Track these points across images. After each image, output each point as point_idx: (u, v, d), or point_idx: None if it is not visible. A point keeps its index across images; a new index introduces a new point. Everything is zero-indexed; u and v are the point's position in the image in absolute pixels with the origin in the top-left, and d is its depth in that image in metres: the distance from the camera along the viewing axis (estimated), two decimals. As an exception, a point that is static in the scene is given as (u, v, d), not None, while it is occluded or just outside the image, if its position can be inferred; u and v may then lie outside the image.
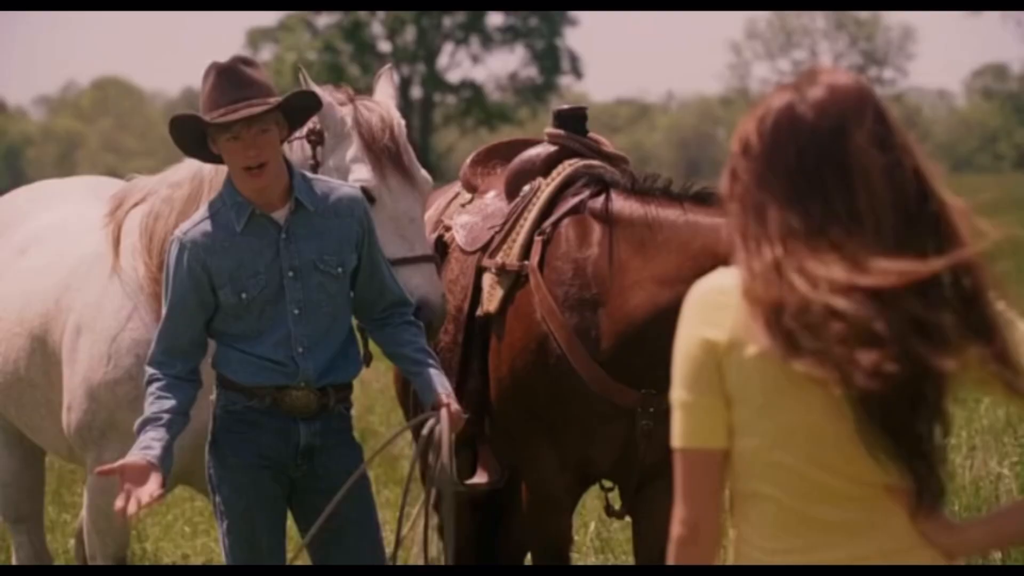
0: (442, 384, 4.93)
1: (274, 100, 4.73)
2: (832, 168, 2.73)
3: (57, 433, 5.74)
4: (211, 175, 5.42)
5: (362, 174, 5.30)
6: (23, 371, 5.85)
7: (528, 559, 6.13)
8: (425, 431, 4.81)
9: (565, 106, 5.96)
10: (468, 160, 6.18)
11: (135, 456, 4.62)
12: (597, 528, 7.48)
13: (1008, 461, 8.05)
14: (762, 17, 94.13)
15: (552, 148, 5.80)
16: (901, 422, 2.70)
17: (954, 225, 2.74)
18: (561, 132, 5.82)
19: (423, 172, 5.46)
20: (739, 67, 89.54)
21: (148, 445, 4.65)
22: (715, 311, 2.78)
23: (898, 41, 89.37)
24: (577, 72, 62.76)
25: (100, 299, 5.62)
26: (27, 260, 5.99)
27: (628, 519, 5.70)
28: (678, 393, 2.80)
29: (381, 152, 5.34)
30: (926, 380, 2.70)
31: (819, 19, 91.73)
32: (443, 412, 4.81)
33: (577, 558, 7.03)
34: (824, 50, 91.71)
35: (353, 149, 5.33)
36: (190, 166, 5.51)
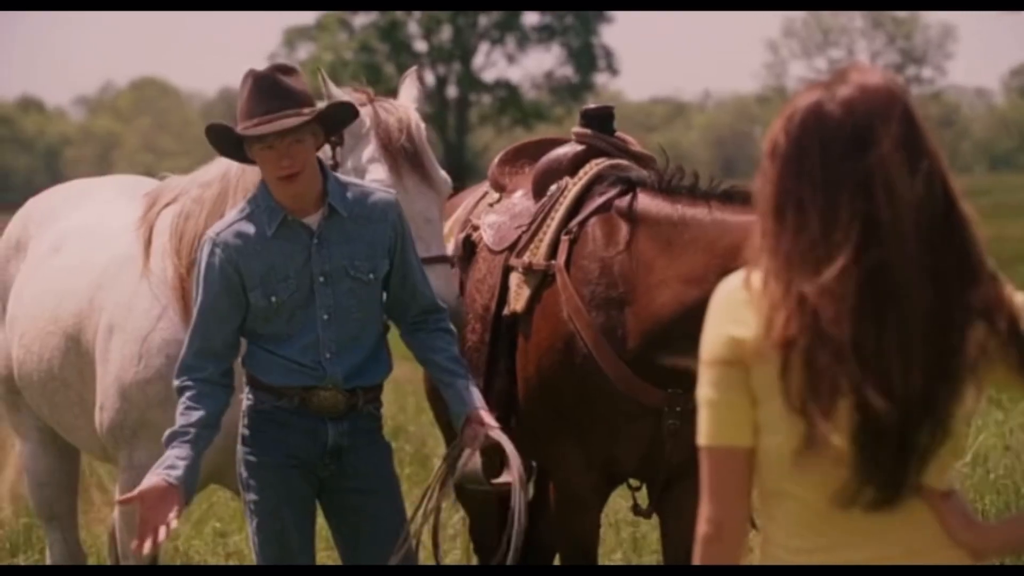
0: (473, 396, 4.95)
1: (308, 112, 4.74)
2: (855, 169, 2.71)
3: (91, 432, 5.77)
4: (238, 175, 5.45)
5: (379, 174, 5.31)
6: (57, 370, 5.88)
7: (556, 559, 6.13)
8: (455, 452, 4.89)
9: (592, 105, 5.97)
10: (496, 159, 6.20)
11: (156, 477, 4.62)
12: (619, 525, 7.48)
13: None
14: (799, 15, 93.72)
15: (579, 147, 5.80)
16: (905, 434, 2.70)
17: (973, 235, 2.73)
18: (588, 131, 5.82)
19: (442, 174, 5.47)
20: (776, 66, 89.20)
21: (172, 464, 4.66)
22: (741, 309, 2.77)
23: (937, 39, 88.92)
24: (612, 70, 62.63)
25: (131, 299, 5.65)
26: (61, 259, 6.02)
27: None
28: (704, 391, 2.80)
29: (398, 153, 5.35)
30: (939, 392, 2.70)
31: (857, 17, 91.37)
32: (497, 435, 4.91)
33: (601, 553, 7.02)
34: (861, 49, 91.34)
35: (370, 149, 5.35)
36: (219, 165, 5.55)
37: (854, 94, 2.75)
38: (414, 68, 5.89)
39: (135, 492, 4.61)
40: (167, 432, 4.76)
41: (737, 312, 2.77)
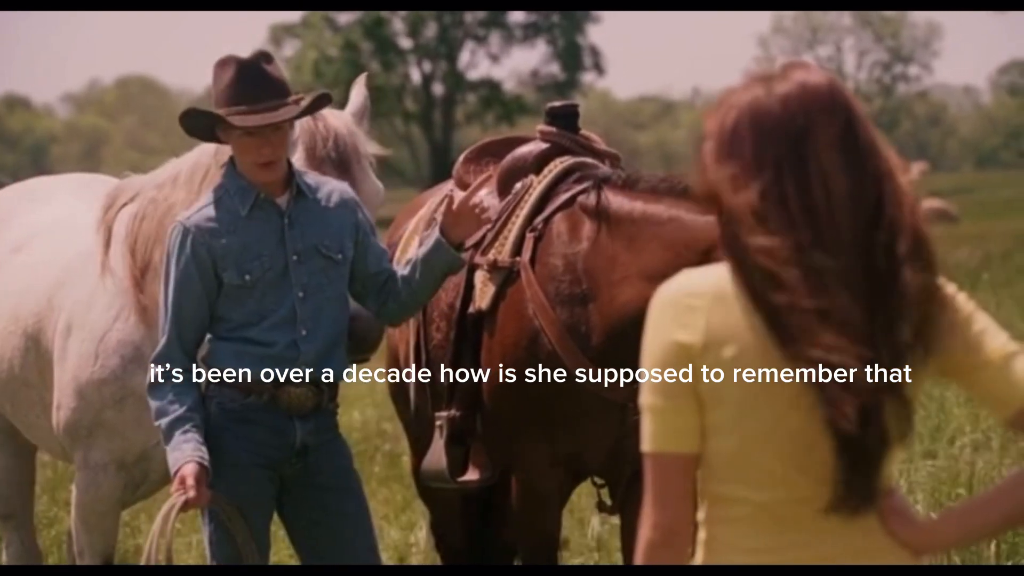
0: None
1: (297, 104, 4.81)
2: (790, 164, 2.69)
3: (51, 431, 5.76)
4: (187, 176, 5.48)
5: None
6: (18, 370, 5.87)
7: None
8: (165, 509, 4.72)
9: (557, 103, 5.97)
10: (461, 158, 6.18)
11: (194, 464, 4.68)
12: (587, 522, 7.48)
13: (1009, 459, 8.03)
14: (788, 13, 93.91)
15: (544, 145, 5.80)
16: (853, 433, 2.68)
17: (911, 231, 2.71)
18: (553, 129, 5.82)
19: (373, 182, 5.46)
20: (765, 63, 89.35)
21: (196, 448, 4.72)
22: (685, 313, 2.74)
23: (923, 38, 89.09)
24: (599, 68, 62.69)
25: (90, 298, 5.65)
26: (22, 258, 6.01)
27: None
28: (648, 397, 2.76)
29: (323, 161, 5.33)
30: (881, 392, 2.68)
31: (845, 15, 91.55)
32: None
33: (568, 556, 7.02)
34: (849, 46, 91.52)
35: (296, 157, 5.34)
36: (175, 166, 5.58)
37: (793, 90, 2.72)
38: (363, 75, 5.85)
39: (190, 479, 4.64)
40: (166, 420, 4.76)
41: (682, 316, 2.74)
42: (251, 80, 4.78)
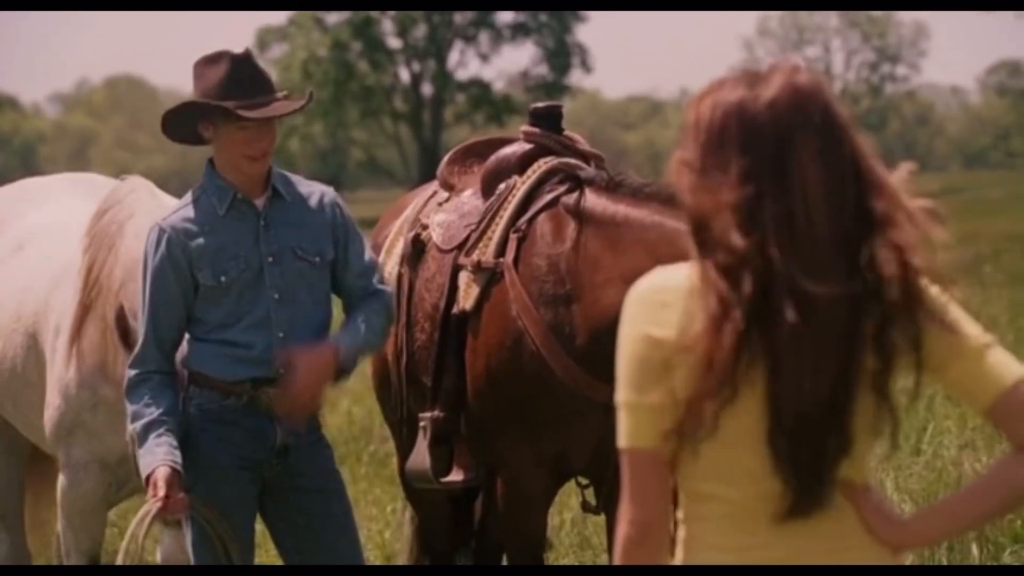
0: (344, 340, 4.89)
1: (297, 101, 4.87)
2: (773, 164, 2.69)
3: None
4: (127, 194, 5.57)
5: None
6: (20, 369, 5.90)
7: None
8: (140, 514, 4.69)
9: (540, 104, 5.97)
10: (445, 159, 6.19)
11: (167, 467, 4.65)
12: (575, 522, 7.48)
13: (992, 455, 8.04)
14: (775, 14, 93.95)
15: (528, 146, 5.80)
16: (812, 433, 2.69)
17: (896, 231, 2.71)
18: (536, 130, 5.82)
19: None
20: (752, 64, 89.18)
21: (169, 452, 4.69)
22: (659, 310, 2.74)
23: (911, 38, 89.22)
24: (587, 67, 62.66)
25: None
26: (24, 257, 6.04)
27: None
28: (623, 393, 2.75)
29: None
30: (844, 397, 2.68)
31: (832, 16, 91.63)
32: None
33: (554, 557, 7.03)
34: (837, 47, 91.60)
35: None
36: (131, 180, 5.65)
37: (779, 91, 2.73)
38: None
39: (161, 484, 4.61)
40: (141, 423, 4.74)
41: (656, 313, 2.74)
42: (247, 74, 4.81)
